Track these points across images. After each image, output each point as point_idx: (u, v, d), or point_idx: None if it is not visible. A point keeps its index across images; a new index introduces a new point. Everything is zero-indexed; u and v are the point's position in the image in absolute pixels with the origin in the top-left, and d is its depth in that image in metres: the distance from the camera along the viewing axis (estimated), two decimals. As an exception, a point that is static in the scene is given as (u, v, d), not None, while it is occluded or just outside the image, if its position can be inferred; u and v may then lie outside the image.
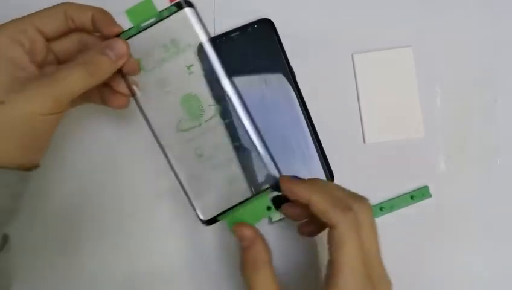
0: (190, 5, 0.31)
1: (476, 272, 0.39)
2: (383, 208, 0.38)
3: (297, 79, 0.38)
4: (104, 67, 0.29)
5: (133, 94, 0.32)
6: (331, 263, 0.28)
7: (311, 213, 0.29)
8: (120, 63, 0.30)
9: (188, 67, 0.32)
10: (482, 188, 0.39)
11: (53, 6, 0.30)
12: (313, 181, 0.31)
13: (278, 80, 0.38)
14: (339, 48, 0.40)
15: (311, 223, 0.33)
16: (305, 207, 0.30)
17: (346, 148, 0.39)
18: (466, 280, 0.39)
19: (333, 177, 0.38)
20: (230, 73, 0.32)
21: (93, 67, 0.29)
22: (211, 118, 0.32)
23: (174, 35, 0.31)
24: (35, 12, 0.30)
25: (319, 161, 0.38)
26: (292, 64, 0.38)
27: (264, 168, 0.32)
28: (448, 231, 0.39)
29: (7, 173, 0.28)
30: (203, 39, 0.31)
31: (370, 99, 0.39)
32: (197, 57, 0.32)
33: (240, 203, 0.31)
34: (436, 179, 0.39)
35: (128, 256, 0.38)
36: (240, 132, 0.32)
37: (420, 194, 0.38)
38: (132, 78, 0.32)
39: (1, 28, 0.28)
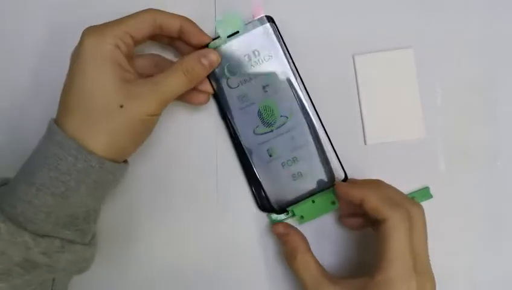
0: (271, 20, 0.37)
1: (476, 273, 0.39)
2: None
3: (302, 78, 0.38)
4: (201, 75, 0.34)
5: (214, 92, 0.37)
6: (380, 253, 0.30)
7: (365, 212, 0.32)
8: (210, 70, 0.35)
9: (267, 75, 0.37)
10: (483, 189, 0.39)
11: (143, 12, 0.33)
12: (368, 182, 0.35)
13: (282, 80, 0.38)
14: (340, 49, 0.40)
15: (356, 217, 0.36)
16: (360, 206, 0.33)
17: (347, 149, 0.39)
18: (467, 281, 0.39)
19: (346, 176, 0.38)
20: (302, 80, 0.37)
21: (192, 75, 0.33)
22: (283, 123, 0.37)
23: (256, 47, 0.37)
24: (127, 17, 0.32)
25: (325, 166, 0.38)
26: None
27: (329, 168, 0.37)
28: (449, 232, 0.39)
29: (127, 166, 0.34)
30: (281, 51, 0.37)
31: (371, 100, 0.39)
32: (275, 67, 0.37)
33: (306, 197, 0.37)
34: (436, 179, 0.39)
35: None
36: (309, 135, 0.37)
37: (421, 195, 0.38)
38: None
39: (102, 35, 0.31)
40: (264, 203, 0.38)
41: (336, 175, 0.38)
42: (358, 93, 0.40)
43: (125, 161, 0.34)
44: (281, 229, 0.36)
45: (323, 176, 0.38)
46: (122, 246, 0.39)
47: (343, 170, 0.38)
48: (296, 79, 0.37)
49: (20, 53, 0.40)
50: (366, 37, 0.40)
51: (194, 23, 0.35)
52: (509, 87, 0.40)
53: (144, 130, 0.32)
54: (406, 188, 0.39)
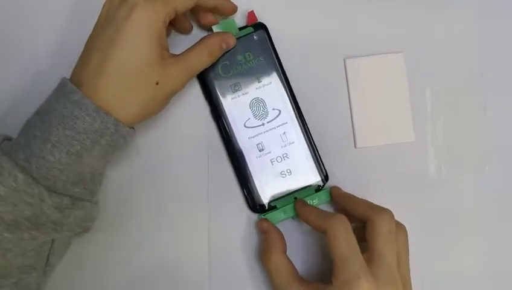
0: (264, 27, 0.39)
1: (464, 280, 0.39)
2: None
3: (290, 83, 0.39)
4: (218, 56, 0.36)
5: (206, 84, 0.38)
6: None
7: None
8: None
9: (258, 77, 0.38)
10: (472, 192, 0.39)
11: None
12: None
13: (271, 83, 0.39)
14: (331, 53, 0.40)
15: None
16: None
17: (337, 153, 0.39)
18: (453, 283, 0.38)
19: (327, 178, 0.38)
20: (290, 85, 0.39)
21: (213, 56, 0.36)
22: (272, 120, 0.38)
23: (249, 50, 0.38)
24: None
25: (313, 164, 0.38)
26: (284, 68, 0.39)
27: (312, 167, 0.38)
28: (438, 236, 0.39)
29: (135, 133, 0.34)
30: (272, 56, 0.38)
31: (361, 104, 0.40)
32: (266, 70, 0.38)
33: (289, 194, 0.38)
34: (425, 183, 0.39)
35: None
36: (295, 134, 0.38)
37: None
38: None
39: (155, 12, 0.31)
40: (254, 203, 0.38)
41: (321, 176, 0.38)
42: (349, 96, 0.40)
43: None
44: (263, 225, 0.37)
45: (312, 175, 0.38)
46: (113, 245, 0.39)
47: (325, 171, 0.38)
48: (284, 85, 0.38)
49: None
50: (357, 41, 0.40)
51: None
52: (499, 92, 0.40)
53: (165, 103, 0.35)
54: (394, 191, 0.39)
